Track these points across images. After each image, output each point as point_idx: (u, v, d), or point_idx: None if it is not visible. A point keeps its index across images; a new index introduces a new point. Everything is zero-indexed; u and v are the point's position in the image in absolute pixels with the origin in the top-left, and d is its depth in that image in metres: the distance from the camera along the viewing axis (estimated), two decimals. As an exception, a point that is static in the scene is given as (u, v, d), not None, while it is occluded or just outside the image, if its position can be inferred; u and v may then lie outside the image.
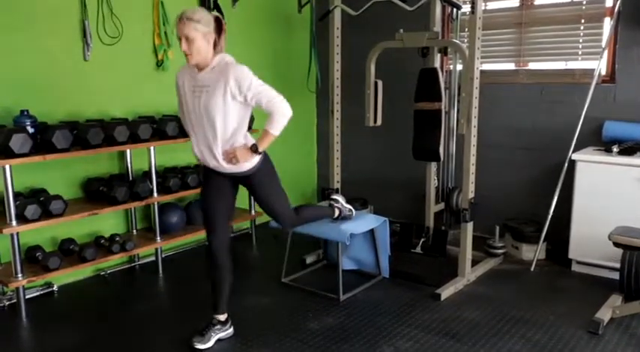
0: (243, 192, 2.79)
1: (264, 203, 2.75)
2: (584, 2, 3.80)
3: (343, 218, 3.29)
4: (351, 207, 3.35)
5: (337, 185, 4.01)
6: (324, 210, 3.23)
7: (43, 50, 3.33)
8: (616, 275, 3.12)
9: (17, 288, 3.07)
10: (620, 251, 3.02)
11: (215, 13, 2.48)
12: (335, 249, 3.33)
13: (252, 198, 4.11)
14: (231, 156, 2.51)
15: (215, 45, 2.48)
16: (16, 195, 3.10)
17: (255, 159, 2.58)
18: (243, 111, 2.50)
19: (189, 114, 2.57)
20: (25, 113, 3.12)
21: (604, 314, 2.91)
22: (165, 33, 3.88)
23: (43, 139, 3.07)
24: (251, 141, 2.58)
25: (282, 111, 2.47)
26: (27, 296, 3.16)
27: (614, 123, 3.66)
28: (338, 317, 3.05)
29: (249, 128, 3.32)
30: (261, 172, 2.64)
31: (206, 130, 2.51)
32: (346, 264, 3.60)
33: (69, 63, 3.46)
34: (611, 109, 3.73)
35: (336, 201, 3.31)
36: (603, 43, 3.65)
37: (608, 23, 3.68)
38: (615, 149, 3.45)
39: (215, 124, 2.46)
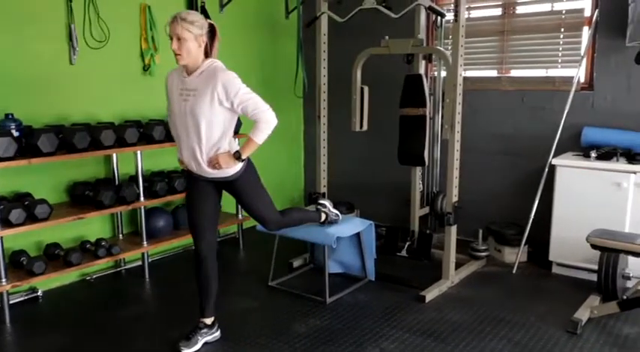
0: (229, 196, 2.81)
1: (248, 207, 2.77)
2: (564, 12, 3.90)
3: (330, 222, 3.33)
4: (337, 212, 3.38)
5: (324, 189, 4.05)
6: (310, 215, 3.25)
7: (28, 53, 3.32)
8: (594, 277, 3.21)
9: (1, 293, 3.04)
10: (597, 253, 3.10)
11: (210, 20, 2.49)
12: (321, 253, 3.36)
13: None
14: (214, 163, 2.52)
15: (206, 51, 2.49)
16: (1, 199, 3.08)
17: (238, 166, 2.59)
18: (229, 117, 2.50)
19: (175, 118, 2.57)
20: (10, 116, 3.11)
21: (582, 314, 2.98)
22: (153, 37, 3.88)
23: (28, 143, 3.05)
24: (235, 147, 2.60)
25: (267, 121, 2.48)
26: (11, 302, 3.13)
27: (593, 129, 3.76)
28: (324, 320, 3.09)
29: (236, 132, 3.34)
30: (243, 178, 2.64)
31: (191, 135, 2.51)
32: (332, 267, 3.63)
33: (55, 66, 3.45)
34: (589, 116, 3.83)
35: (324, 205, 3.34)
36: (582, 52, 3.75)
37: (586, 32, 3.79)
38: (593, 154, 3.54)
39: (200, 129, 2.46)
